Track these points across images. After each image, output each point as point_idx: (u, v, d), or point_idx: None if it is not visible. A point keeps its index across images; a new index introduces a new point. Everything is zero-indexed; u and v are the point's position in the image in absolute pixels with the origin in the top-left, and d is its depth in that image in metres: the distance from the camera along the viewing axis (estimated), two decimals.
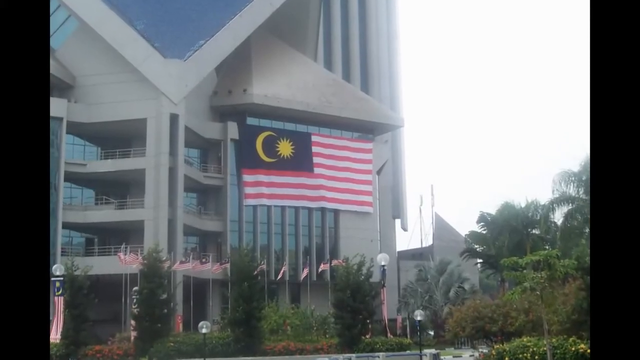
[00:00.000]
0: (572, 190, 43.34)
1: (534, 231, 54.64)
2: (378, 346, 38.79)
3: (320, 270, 63.54)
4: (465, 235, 65.35)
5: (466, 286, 60.65)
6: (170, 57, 58.61)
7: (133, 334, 40.98)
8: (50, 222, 50.68)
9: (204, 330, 35.50)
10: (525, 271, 27.02)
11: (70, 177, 57.17)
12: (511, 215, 55.13)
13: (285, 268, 62.02)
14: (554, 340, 26.89)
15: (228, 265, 54.11)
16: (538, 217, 52.84)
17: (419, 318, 41.29)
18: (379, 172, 74.05)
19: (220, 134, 64.39)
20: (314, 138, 68.31)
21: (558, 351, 26.38)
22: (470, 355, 38.77)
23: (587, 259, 24.91)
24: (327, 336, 43.50)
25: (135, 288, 42.11)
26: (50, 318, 39.80)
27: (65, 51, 59.77)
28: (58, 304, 41.03)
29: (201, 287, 58.43)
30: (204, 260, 56.53)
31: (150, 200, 56.28)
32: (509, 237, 54.49)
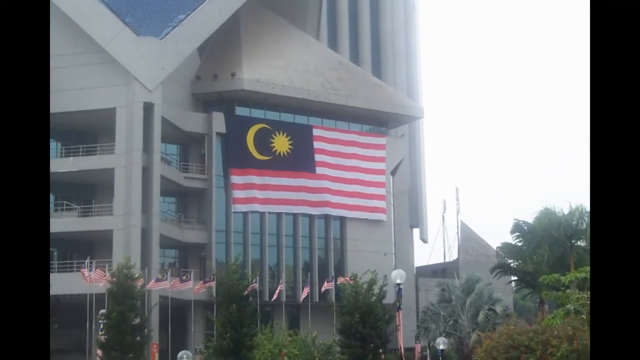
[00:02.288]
0: None
1: (579, 243, 54.54)
2: None
3: (323, 289, 63.54)
4: (497, 248, 65.24)
5: (498, 309, 60.59)
6: (144, 35, 58.69)
7: None
8: None
9: None
10: (568, 291, 27.02)
11: None
12: (552, 224, 55.05)
13: (281, 287, 62.01)
14: None
15: (213, 284, 54.10)
16: (584, 226, 52.75)
17: (441, 347, 41.17)
18: (393, 173, 74.15)
19: (204, 126, 64.54)
20: (315, 132, 68.39)
21: None
22: None
23: None
24: None
25: (102, 311, 42.13)
26: None
27: None
28: None
29: (181, 310, 58.44)
30: (184, 277, 56.54)
31: (120, 206, 56.33)
32: (550, 250, 54.41)
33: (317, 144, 68.04)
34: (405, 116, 74.87)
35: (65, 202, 59.98)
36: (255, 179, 65.10)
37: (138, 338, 40.95)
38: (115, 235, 55.74)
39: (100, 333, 41.76)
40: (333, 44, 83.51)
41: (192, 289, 55.91)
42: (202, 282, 57.30)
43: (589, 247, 52.97)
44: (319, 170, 67.69)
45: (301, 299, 63.30)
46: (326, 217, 68.48)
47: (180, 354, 36.37)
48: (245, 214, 64.95)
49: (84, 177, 59.11)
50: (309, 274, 65.48)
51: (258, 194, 65.13)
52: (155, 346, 49.92)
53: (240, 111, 66.56)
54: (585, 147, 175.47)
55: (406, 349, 50.69)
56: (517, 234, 59.58)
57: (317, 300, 65.20)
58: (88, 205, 59.40)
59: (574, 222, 54.35)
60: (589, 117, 13.76)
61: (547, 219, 55.74)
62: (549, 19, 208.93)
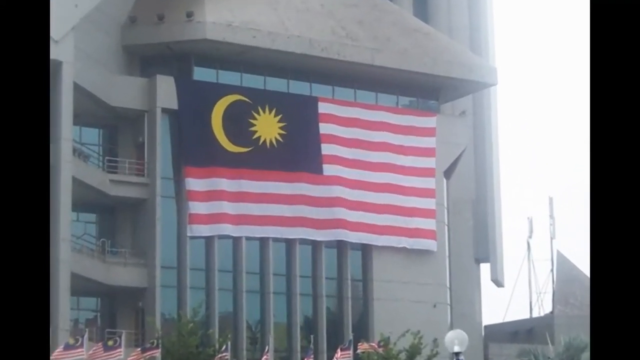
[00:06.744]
0: None
1: None
2: None
3: None
4: None
5: None
6: None
7: None
8: None
9: None
10: None
11: None
12: None
13: (267, 357, 61.58)
14: None
15: (158, 353, 53.79)
16: None
17: None
18: (448, 174, 74.46)
19: (143, 99, 64.73)
20: (323, 107, 68.68)
21: None
22: None
23: None
24: None
25: None
26: None
27: None
28: None
29: None
30: (110, 343, 56.16)
31: None
32: None
33: (324, 128, 68.16)
34: (467, 82, 75.18)
35: None
36: (225, 184, 65.20)
37: None
38: None
39: None
40: None
41: None
42: (139, 350, 56.94)
43: None
44: (328, 169, 67.90)
45: None
46: (340, 246, 68.72)
47: None
48: (209, 239, 65.11)
49: None
50: (312, 336, 65.20)
51: (229, 208, 65.20)
52: None
53: (202, 74, 67.03)
54: None
55: None
56: None
57: None
58: None
59: None
60: None
61: None
62: None
